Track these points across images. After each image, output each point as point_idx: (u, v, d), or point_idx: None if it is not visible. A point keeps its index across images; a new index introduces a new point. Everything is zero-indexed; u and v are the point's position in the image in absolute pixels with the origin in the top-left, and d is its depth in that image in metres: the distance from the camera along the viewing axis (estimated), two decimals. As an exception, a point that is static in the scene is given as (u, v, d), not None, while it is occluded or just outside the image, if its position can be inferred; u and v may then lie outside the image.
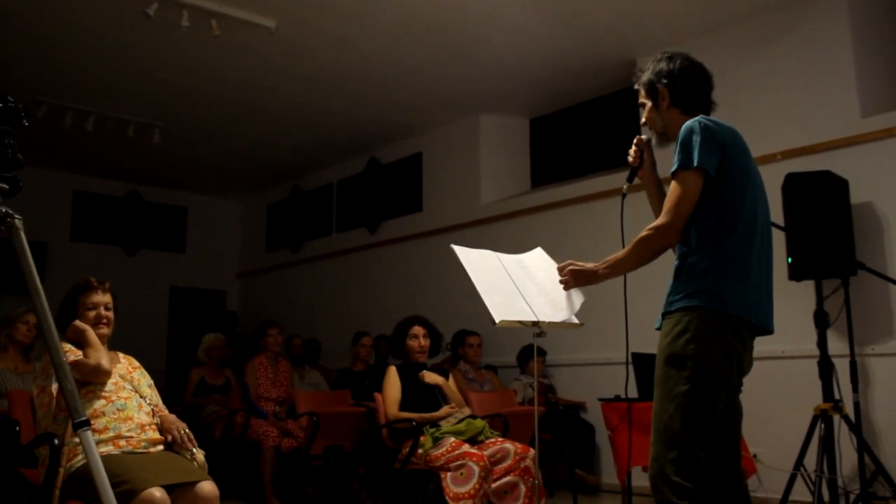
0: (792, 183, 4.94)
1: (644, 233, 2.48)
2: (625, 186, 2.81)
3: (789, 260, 4.89)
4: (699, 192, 2.40)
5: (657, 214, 2.62)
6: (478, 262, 2.77)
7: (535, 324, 2.79)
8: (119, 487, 2.56)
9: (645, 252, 2.50)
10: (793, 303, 5.32)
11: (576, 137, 7.63)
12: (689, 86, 2.61)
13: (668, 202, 2.42)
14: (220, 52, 6.35)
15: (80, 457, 2.85)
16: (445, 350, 6.33)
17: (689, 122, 2.45)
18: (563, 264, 2.72)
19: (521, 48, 6.34)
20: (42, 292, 2.19)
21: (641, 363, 5.00)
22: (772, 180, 5.19)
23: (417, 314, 4.87)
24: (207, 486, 2.85)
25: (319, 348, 7.95)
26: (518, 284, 2.85)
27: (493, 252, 3.03)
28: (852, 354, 4.89)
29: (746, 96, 5.74)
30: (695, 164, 2.36)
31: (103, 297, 3.26)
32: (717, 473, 2.42)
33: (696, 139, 2.38)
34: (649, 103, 2.67)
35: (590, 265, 2.67)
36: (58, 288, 3.22)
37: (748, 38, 5.86)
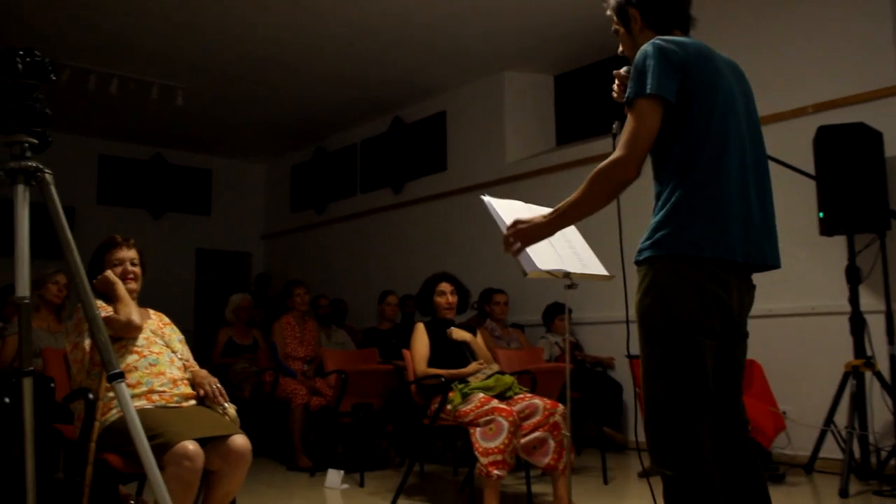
0: (824, 136, 4.84)
1: (598, 168, 2.19)
2: (615, 125, 2.54)
3: (821, 215, 4.81)
4: (658, 122, 2.12)
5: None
6: (508, 213, 2.72)
7: (567, 275, 2.76)
8: (153, 441, 2.58)
9: (600, 191, 2.19)
10: (824, 258, 5.26)
11: (601, 93, 7.50)
12: (660, 2, 2.34)
13: (624, 134, 2.15)
14: (244, 10, 6.30)
15: (114, 411, 2.88)
16: (472, 308, 6.34)
17: (644, 46, 2.19)
18: (509, 225, 2.43)
19: (545, 3, 6.24)
20: (74, 246, 2.20)
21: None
22: (803, 133, 5.13)
23: (444, 271, 4.86)
24: (240, 440, 2.88)
25: (346, 308, 7.99)
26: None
27: (524, 203, 2.99)
28: (888, 308, 4.81)
29: (776, 49, 5.62)
30: (648, 91, 2.10)
31: (129, 253, 3.28)
32: (715, 427, 2.20)
33: (651, 63, 2.13)
34: (622, 29, 2.43)
35: (537, 217, 2.37)
36: (85, 251, 3.23)
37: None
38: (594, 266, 2.79)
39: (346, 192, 9.80)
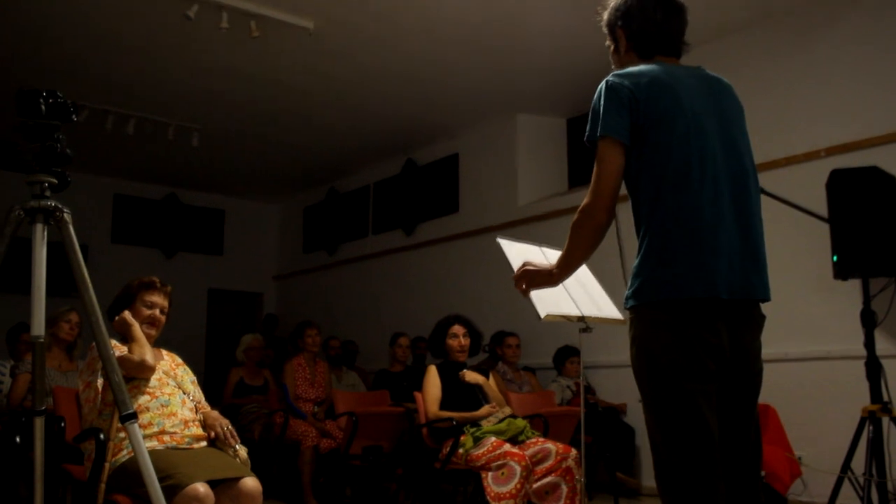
0: (837, 179, 4.83)
1: (574, 217, 2.14)
2: None
3: (835, 258, 4.78)
4: (620, 161, 2.06)
5: None
6: (523, 256, 2.72)
7: (581, 318, 2.75)
8: (164, 482, 2.57)
9: (580, 240, 2.15)
10: (839, 302, 5.22)
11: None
12: (646, 25, 2.25)
13: (591, 180, 2.10)
14: (259, 55, 6.39)
15: (124, 451, 2.87)
16: (484, 351, 6.31)
17: (600, 85, 2.15)
18: (519, 267, 2.38)
19: (558, 47, 6.30)
20: (90, 286, 2.21)
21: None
22: (816, 177, 5.13)
23: (457, 313, 4.85)
24: (251, 482, 2.86)
25: (356, 350, 7.96)
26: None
27: (538, 246, 2.99)
28: (904, 355, 4.77)
29: (789, 92, 5.65)
30: (600, 133, 2.07)
31: (163, 301, 3.31)
32: (729, 470, 2.08)
33: (602, 103, 2.09)
34: (611, 46, 2.36)
35: (546, 265, 2.32)
36: (98, 289, 3.25)
37: (790, 32, 5.77)
38: (609, 310, 2.78)
39: (359, 234, 9.83)
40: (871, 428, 4.52)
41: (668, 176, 2.04)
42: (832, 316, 5.29)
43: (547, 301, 2.64)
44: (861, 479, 4.50)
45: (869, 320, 4.76)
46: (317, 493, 5.67)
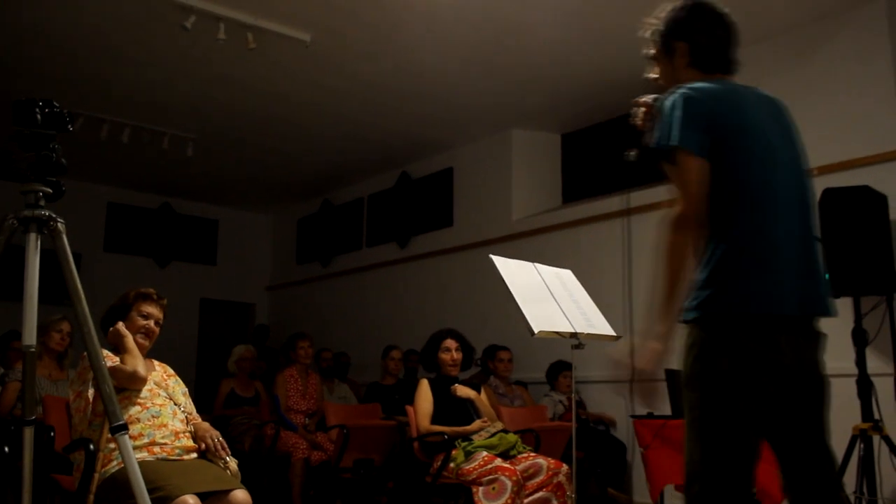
0: (830, 198, 4.87)
1: (666, 235, 2.05)
2: (632, 153, 2.46)
3: (826, 276, 4.80)
4: (702, 169, 2.04)
5: None
6: (516, 273, 2.73)
7: (574, 335, 2.76)
8: (153, 494, 2.56)
9: (681, 251, 2.03)
10: (830, 321, 5.22)
11: (608, 153, 7.59)
12: (711, 41, 2.25)
13: (675, 189, 2.06)
14: (255, 66, 6.40)
15: (114, 462, 2.86)
16: (476, 365, 6.31)
17: (673, 94, 2.13)
18: (636, 376, 2.17)
19: (554, 63, 6.33)
20: (83, 297, 2.20)
21: (674, 380, 4.94)
22: (809, 196, 5.17)
23: (450, 327, 4.85)
24: (241, 495, 2.85)
25: (348, 362, 7.95)
26: (556, 296, 2.82)
27: (532, 263, 3.00)
28: (896, 372, 4.79)
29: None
30: (674, 143, 2.05)
31: (158, 312, 3.31)
32: (808, 485, 2.07)
33: (678, 114, 2.07)
34: (663, 59, 2.33)
35: (650, 344, 2.09)
36: (90, 297, 3.25)
37: (784, 52, 5.81)
38: (601, 326, 2.78)
39: (352, 246, 9.83)
40: (861, 446, 4.54)
41: (744, 193, 2.06)
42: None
43: (540, 317, 2.64)
44: (852, 498, 4.51)
45: (860, 338, 4.78)
46: (307, 506, 5.65)
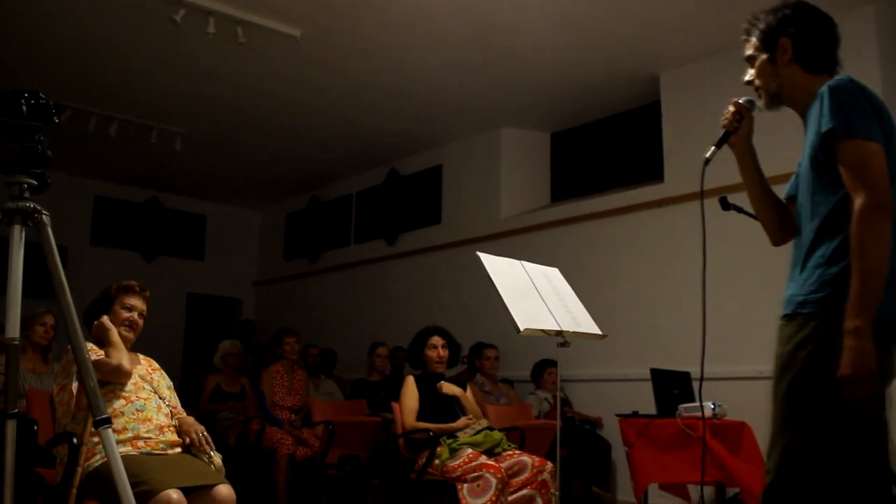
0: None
1: (854, 238, 1.90)
2: (711, 150, 2.36)
3: None
4: (882, 153, 1.93)
5: (749, 192, 2.31)
6: (503, 270, 2.74)
7: (559, 333, 2.76)
8: (137, 488, 2.55)
9: (878, 239, 1.88)
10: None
11: (596, 153, 7.61)
12: (819, 39, 2.17)
13: (851, 177, 1.93)
14: (245, 61, 6.38)
15: (97, 456, 2.85)
16: (462, 363, 6.31)
17: (840, 80, 2.02)
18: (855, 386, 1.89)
19: (545, 62, 6.34)
20: (67, 289, 2.19)
21: (660, 379, 4.96)
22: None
23: (436, 324, 4.85)
24: (224, 490, 2.84)
25: (335, 358, 7.94)
26: (542, 294, 2.83)
27: (519, 261, 3.01)
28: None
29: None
30: (860, 135, 1.93)
31: (141, 304, 3.29)
32: None
33: (856, 103, 1.96)
34: (763, 56, 2.21)
35: (849, 348, 1.86)
36: (76, 291, 3.23)
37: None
38: (587, 324, 2.79)
39: (340, 242, 9.81)
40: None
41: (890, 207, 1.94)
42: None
43: (526, 315, 2.64)
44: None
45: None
46: (291, 502, 5.63)
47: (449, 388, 4.52)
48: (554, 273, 3.04)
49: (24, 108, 2.15)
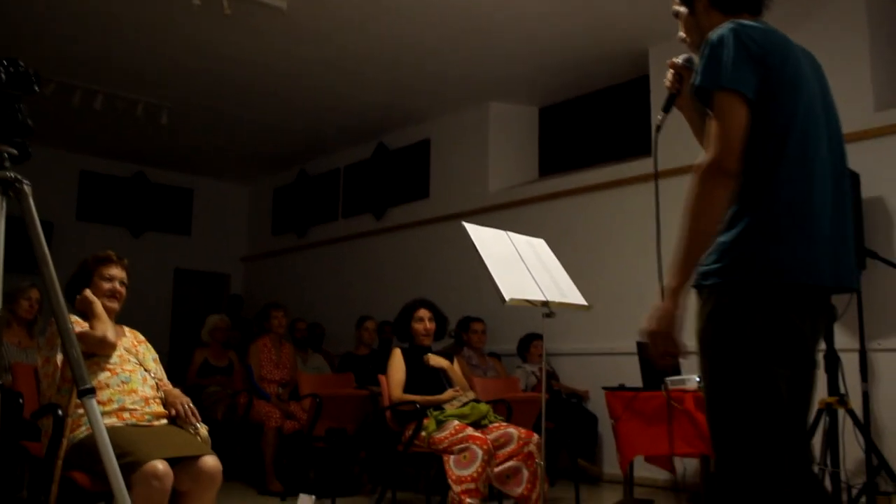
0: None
1: (689, 195, 1.85)
2: (659, 116, 2.30)
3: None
4: (745, 115, 1.84)
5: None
6: (489, 241, 2.73)
7: (545, 303, 2.77)
8: (122, 459, 2.55)
9: (710, 201, 1.84)
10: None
11: (584, 127, 7.60)
12: None
13: (709, 134, 1.86)
14: (231, 33, 6.32)
15: (83, 428, 2.85)
16: (450, 336, 6.33)
17: (719, 30, 1.92)
18: (647, 339, 1.93)
19: (533, 36, 6.31)
20: (50, 259, 2.18)
21: (646, 353, 4.99)
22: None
23: (423, 297, 4.85)
24: (210, 461, 2.85)
25: (323, 333, 7.95)
26: (528, 264, 2.83)
27: (505, 232, 3.00)
28: (862, 347, 4.86)
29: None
30: (724, 84, 1.85)
31: (121, 273, 3.27)
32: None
33: (728, 52, 1.86)
34: (684, 10, 2.15)
35: (655, 307, 1.91)
36: (63, 267, 3.21)
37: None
38: (573, 295, 2.79)
39: (328, 217, 9.79)
40: (827, 419, 4.61)
41: (786, 149, 1.89)
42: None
43: (511, 285, 2.64)
44: (816, 469, 4.59)
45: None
46: (279, 475, 5.66)
47: (436, 360, 4.53)
48: (540, 244, 3.04)
49: (2, 76, 2.12)
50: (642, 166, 6.22)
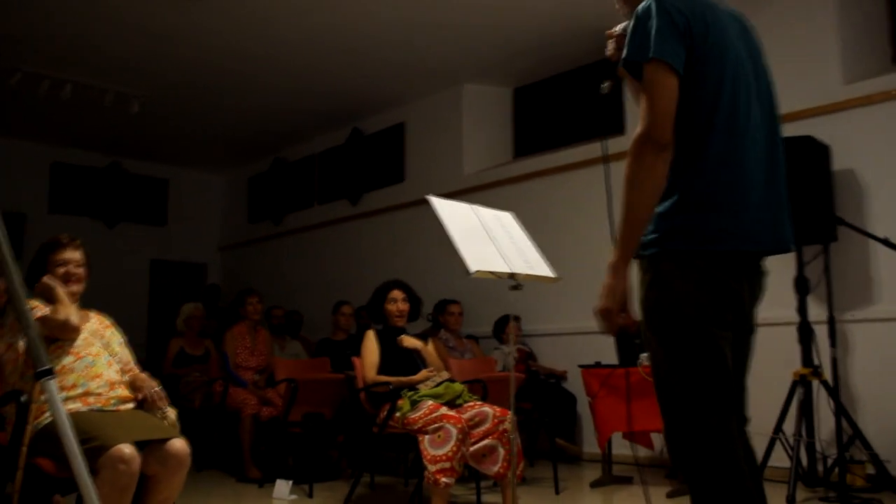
0: (773, 149, 4.92)
1: (628, 164, 1.86)
2: (605, 84, 2.29)
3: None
4: (674, 86, 1.85)
5: None
6: (455, 214, 2.72)
7: (512, 275, 2.75)
8: (88, 444, 2.52)
9: (646, 174, 1.84)
10: (773, 269, 5.31)
11: (559, 107, 7.58)
12: None
13: (641, 109, 1.86)
14: (203, 18, 6.23)
15: (47, 414, 2.81)
16: (427, 319, 6.31)
17: (644, 2, 1.92)
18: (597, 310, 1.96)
19: (505, 16, 6.26)
20: (3, 241, 2.13)
21: (622, 330, 4.99)
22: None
23: (396, 278, 4.83)
24: (178, 444, 2.82)
25: (300, 320, 7.91)
26: (495, 237, 2.81)
27: (470, 205, 2.98)
28: (831, 319, 4.91)
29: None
30: (651, 55, 1.84)
31: (74, 255, 3.20)
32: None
33: (653, 23, 1.86)
34: None
35: (605, 283, 1.93)
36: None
37: (731, 4, 5.81)
38: (540, 267, 2.78)
39: (304, 204, 9.73)
40: (801, 391, 4.65)
41: (716, 117, 1.90)
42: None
43: (478, 257, 2.62)
44: (792, 440, 4.62)
45: (802, 287, 4.88)
46: (257, 462, 5.63)
47: (409, 341, 4.52)
48: (507, 217, 3.02)
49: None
50: (617, 144, 6.19)
